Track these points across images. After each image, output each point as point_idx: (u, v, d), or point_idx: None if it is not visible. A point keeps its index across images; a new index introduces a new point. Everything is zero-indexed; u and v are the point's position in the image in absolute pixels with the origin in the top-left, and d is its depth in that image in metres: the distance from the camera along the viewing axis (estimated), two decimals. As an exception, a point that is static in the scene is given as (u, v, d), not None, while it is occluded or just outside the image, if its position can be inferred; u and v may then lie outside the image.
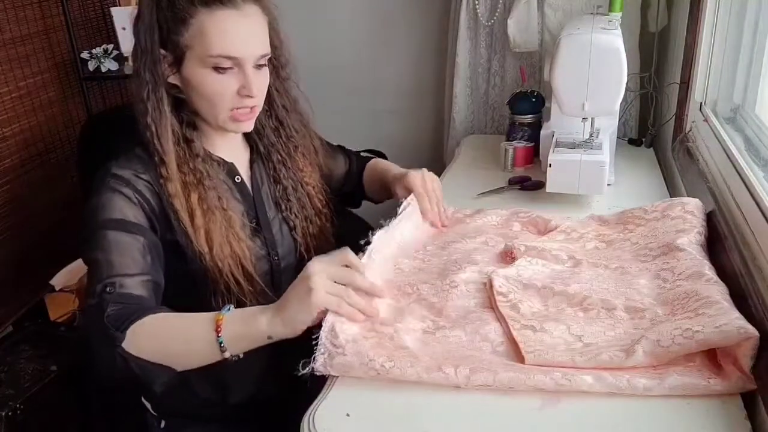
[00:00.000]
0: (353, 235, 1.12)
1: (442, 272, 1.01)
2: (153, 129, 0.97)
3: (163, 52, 0.97)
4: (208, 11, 0.94)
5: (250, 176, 1.11)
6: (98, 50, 2.02)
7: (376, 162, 1.32)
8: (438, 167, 1.75)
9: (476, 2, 1.76)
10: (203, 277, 1.01)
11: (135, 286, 0.90)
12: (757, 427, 0.71)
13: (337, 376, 0.83)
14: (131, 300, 0.88)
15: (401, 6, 2.09)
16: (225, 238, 1.00)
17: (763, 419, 0.71)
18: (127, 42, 2.04)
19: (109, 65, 2.03)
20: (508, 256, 1.04)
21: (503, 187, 1.44)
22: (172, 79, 0.99)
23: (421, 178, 1.16)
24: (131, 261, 0.91)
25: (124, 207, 0.95)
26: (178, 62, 0.98)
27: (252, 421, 1.14)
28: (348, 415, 0.77)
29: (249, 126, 1.04)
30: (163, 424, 1.15)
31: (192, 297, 1.01)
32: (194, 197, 0.99)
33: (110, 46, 2.04)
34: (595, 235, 1.10)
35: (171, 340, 0.87)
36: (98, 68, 2.02)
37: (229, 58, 0.96)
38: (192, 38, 0.95)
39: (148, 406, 1.16)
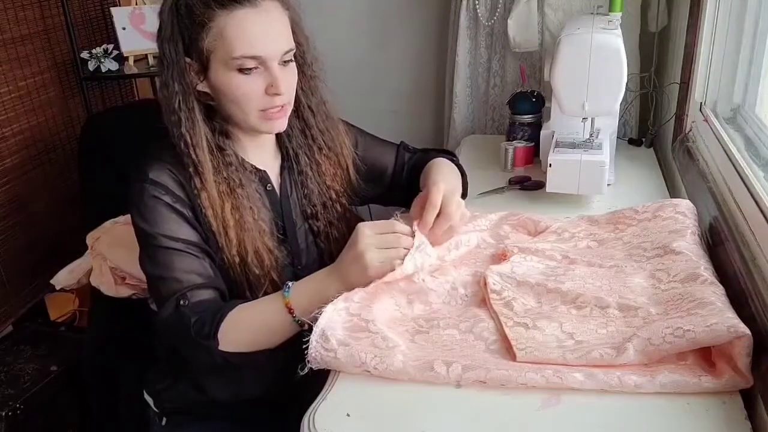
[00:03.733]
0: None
1: (437, 270, 1.01)
2: (188, 139, 0.96)
3: (188, 60, 0.96)
4: (226, 12, 0.93)
5: (279, 184, 1.10)
6: (98, 50, 2.02)
7: (435, 163, 1.17)
8: (438, 167, 1.75)
9: (476, 2, 1.76)
10: (230, 284, 1.02)
11: (203, 294, 0.97)
12: (757, 427, 0.71)
13: (337, 378, 0.83)
14: (206, 305, 0.96)
15: (401, 6, 2.09)
16: (256, 249, 1.01)
17: (763, 419, 0.71)
18: (127, 42, 2.04)
19: (109, 65, 2.03)
20: (501, 258, 1.04)
21: (503, 187, 1.44)
22: (201, 87, 0.98)
23: (444, 192, 1.01)
24: (196, 276, 0.97)
25: (172, 221, 0.97)
26: (204, 69, 0.97)
27: (252, 419, 1.13)
28: (348, 415, 0.77)
29: (282, 125, 1.02)
30: (164, 421, 1.15)
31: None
32: (228, 207, 0.99)
33: (110, 46, 2.04)
34: (586, 235, 1.10)
35: (256, 332, 0.95)
36: (98, 68, 2.02)
37: (252, 58, 0.95)
38: (213, 42, 0.94)
39: (150, 402, 1.15)
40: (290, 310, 0.93)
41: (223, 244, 0.99)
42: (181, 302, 0.95)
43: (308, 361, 0.83)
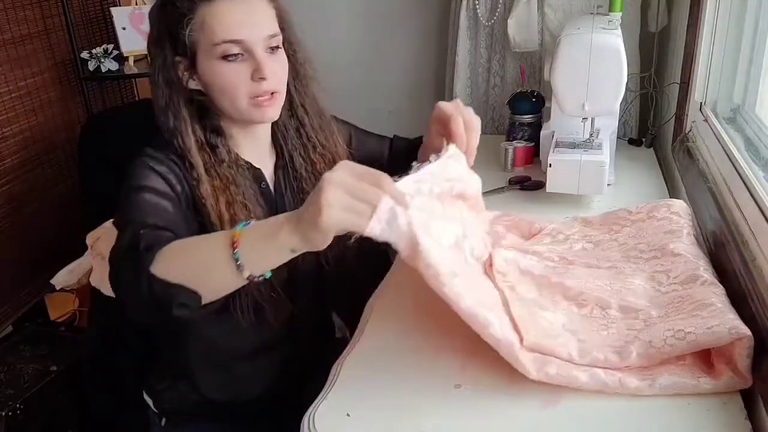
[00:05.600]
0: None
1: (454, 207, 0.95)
2: (177, 136, 0.97)
3: (178, 58, 0.97)
4: (206, 4, 0.94)
5: (274, 182, 1.10)
6: (98, 50, 2.02)
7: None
8: (438, 167, 1.75)
9: (476, 2, 1.76)
10: None
11: (167, 234, 0.88)
12: (757, 427, 0.71)
13: (337, 378, 0.83)
14: (163, 237, 0.86)
15: (401, 6, 2.09)
16: None
17: (763, 419, 0.71)
18: (127, 42, 2.04)
19: (109, 65, 2.03)
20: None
21: (503, 187, 1.44)
22: (193, 85, 0.99)
23: (455, 103, 0.99)
24: (162, 221, 0.90)
25: (157, 180, 0.94)
26: (192, 63, 0.97)
27: (252, 420, 1.14)
28: (348, 415, 0.77)
29: (273, 113, 1.01)
30: (164, 421, 1.15)
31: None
32: (222, 201, 0.98)
33: (110, 46, 2.04)
34: (581, 236, 1.09)
35: (192, 260, 0.82)
36: (98, 68, 2.02)
37: (233, 42, 0.94)
38: (197, 33, 0.95)
39: (150, 402, 1.15)
40: (234, 243, 0.78)
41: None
42: (141, 231, 0.86)
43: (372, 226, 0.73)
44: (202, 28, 0.95)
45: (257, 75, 0.96)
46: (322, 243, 0.75)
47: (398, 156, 1.21)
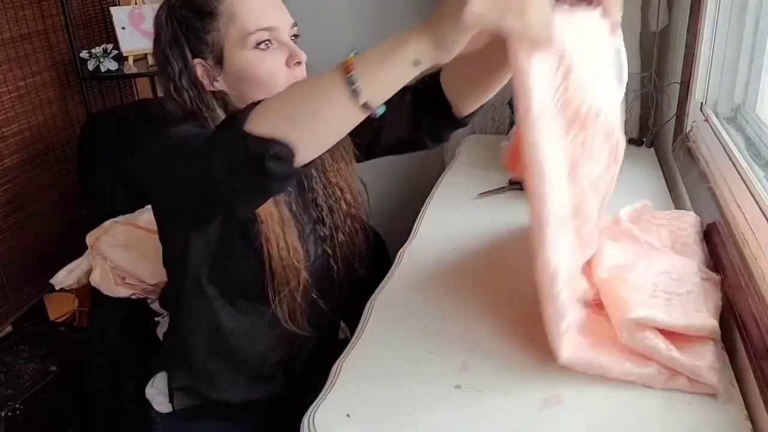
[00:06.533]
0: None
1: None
2: None
3: (198, 60, 0.95)
4: None
5: None
6: (98, 50, 2.02)
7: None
8: (438, 167, 1.75)
9: (476, 2, 1.76)
10: (269, 278, 0.99)
11: None
12: (757, 427, 0.71)
13: (337, 378, 0.83)
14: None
15: (401, 5, 2.09)
16: (294, 245, 0.99)
17: (763, 419, 0.71)
18: (126, 42, 2.04)
19: (109, 65, 2.03)
20: None
21: (503, 187, 1.44)
22: (220, 85, 0.97)
23: None
24: None
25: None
26: (219, 61, 0.95)
27: (252, 420, 1.14)
28: (348, 415, 0.77)
29: None
30: (164, 421, 1.15)
31: (252, 287, 1.00)
32: (270, 201, 0.96)
33: (110, 46, 2.04)
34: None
35: (294, 103, 0.73)
36: (98, 68, 2.02)
37: (267, 29, 0.93)
38: (226, 26, 0.94)
39: (152, 402, 1.15)
40: (348, 67, 0.68)
41: (270, 237, 0.96)
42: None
43: None
44: (233, 19, 0.93)
45: (293, 60, 0.95)
46: (454, 46, 0.66)
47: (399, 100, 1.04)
